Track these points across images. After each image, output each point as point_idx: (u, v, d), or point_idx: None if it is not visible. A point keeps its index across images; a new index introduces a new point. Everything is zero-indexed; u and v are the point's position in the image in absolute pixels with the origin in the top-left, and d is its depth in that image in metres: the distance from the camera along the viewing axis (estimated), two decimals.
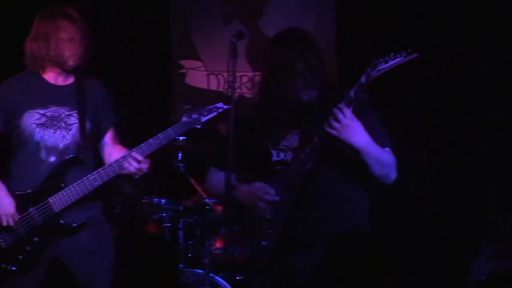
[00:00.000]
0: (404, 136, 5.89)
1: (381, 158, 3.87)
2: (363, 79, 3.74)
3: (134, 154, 4.43)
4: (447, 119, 6.62)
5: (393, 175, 3.94)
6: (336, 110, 3.74)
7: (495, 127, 6.44)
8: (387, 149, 3.94)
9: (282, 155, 3.97)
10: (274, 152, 3.99)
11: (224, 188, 3.83)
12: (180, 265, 5.48)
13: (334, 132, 3.75)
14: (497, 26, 6.45)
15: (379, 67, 3.72)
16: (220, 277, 5.56)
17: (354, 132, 3.77)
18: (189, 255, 5.70)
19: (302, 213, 3.91)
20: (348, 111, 3.74)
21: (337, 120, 3.74)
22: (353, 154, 3.84)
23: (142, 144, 4.46)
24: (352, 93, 3.76)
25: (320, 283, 3.85)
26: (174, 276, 3.25)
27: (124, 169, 4.47)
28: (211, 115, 4.52)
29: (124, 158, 4.45)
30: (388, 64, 3.72)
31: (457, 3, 6.53)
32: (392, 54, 3.73)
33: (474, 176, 6.51)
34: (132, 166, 4.43)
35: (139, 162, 4.44)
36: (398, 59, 3.72)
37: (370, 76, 3.73)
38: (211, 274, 5.49)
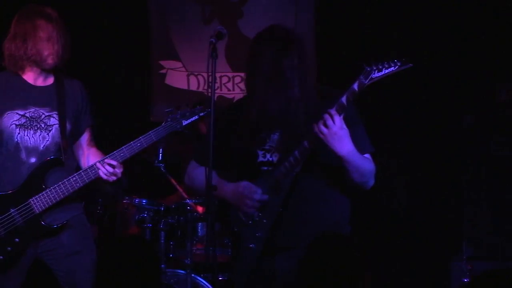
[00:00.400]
0: (383, 138, 5.91)
1: (362, 167, 3.86)
2: (355, 86, 3.70)
3: (107, 160, 4.44)
4: (425, 122, 6.65)
5: (371, 182, 3.95)
6: (326, 116, 3.72)
7: (472, 128, 6.48)
8: (367, 155, 3.95)
9: (268, 155, 3.96)
10: (260, 152, 3.97)
11: (204, 183, 3.80)
12: (162, 266, 5.50)
13: (321, 136, 3.73)
14: (473, 25, 6.50)
15: (372, 75, 3.68)
16: (202, 278, 5.55)
17: (340, 140, 3.75)
18: (170, 255, 5.73)
19: (287, 216, 3.90)
20: (338, 119, 3.71)
21: (326, 126, 3.71)
22: (335, 160, 3.83)
23: (123, 147, 4.48)
24: (343, 99, 3.72)
25: (301, 285, 3.86)
26: (155, 276, 3.25)
27: (98, 174, 4.48)
28: (192, 119, 4.52)
29: (99, 162, 4.45)
30: (382, 72, 3.68)
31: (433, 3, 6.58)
32: (385, 62, 3.69)
33: (453, 177, 6.55)
34: (106, 170, 4.43)
35: (113, 167, 4.45)
36: (392, 68, 3.68)
37: (363, 84, 3.69)
38: (192, 275, 5.50)
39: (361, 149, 3.87)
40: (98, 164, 4.44)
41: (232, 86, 7.06)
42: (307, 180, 3.90)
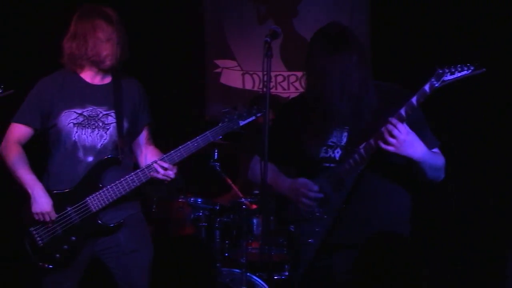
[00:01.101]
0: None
1: (435, 164, 3.83)
2: (426, 88, 3.63)
3: (160, 162, 4.48)
4: (480, 118, 6.57)
5: (442, 176, 3.92)
6: (390, 127, 3.66)
7: None
8: (436, 150, 3.90)
9: (330, 152, 3.92)
10: (322, 148, 3.93)
11: (268, 178, 3.79)
12: (217, 265, 5.52)
13: (391, 148, 3.68)
14: None
15: (444, 78, 3.61)
16: (257, 277, 5.55)
17: (411, 145, 3.70)
18: (226, 254, 5.72)
19: (348, 213, 3.87)
20: (401, 126, 3.66)
21: (393, 136, 3.66)
22: (405, 162, 3.79)
23: (180, 147, 4.51)
24: (414, 100, 3.66)
25: (359, 284, 3.85)
26: (211, 276, 3.27)
27: (152, 175, 4.51)
28: (249, 119, 4.55)
29: (155, 163, 4.48)
30: (454, 76, 3.61)
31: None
32: (458, 65, 3.61)
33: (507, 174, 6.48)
34: (160, 172, 4.46)
35: (165, 169, 4.48)
36: (465, 72, 3.61)
37: (434, 86, 3.62)
38: (247, 274, 5.50)
39: (429, 146, 3.82)
40: (155, 165, 4.48)
41: (287, 85, 7.05)
42: (370, 178, 3.87)
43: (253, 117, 4.54)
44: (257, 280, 5.54)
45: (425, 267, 3.19)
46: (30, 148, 4.64)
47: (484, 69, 3.62)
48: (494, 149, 6.58)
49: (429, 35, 6.61)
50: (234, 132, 4.58)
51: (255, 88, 7.09)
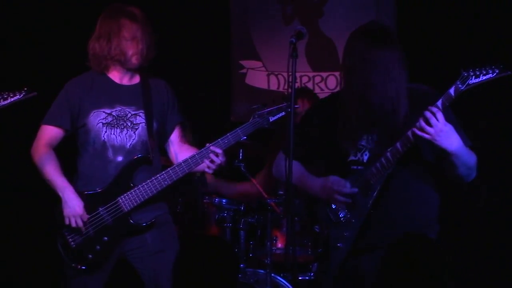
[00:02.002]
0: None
1: (469, 159, 3.85)
2: (451, 91, 3.67)
3: (213, 148, 4.50)
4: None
5: (473, 174, 3.92)
6: (429, 114, 3.67)
7: None
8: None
9: (359, 154, 3.97)
10: (351, 151, 3.98)
11: (294, 178, 3.82)
12: (241, 265, 5.55)
13: (427, 136, 3.69)
14: None
15: (469, 81, 3.64)
16: (281, 277, 5.58)
17: (448, 136, 3.72)
18: (250, 255, 5.77)
19: (376, 216, 3.91)
20: (440, 116, 3.67)
21: (430, 124, 3.68)
22: (435, 152, 3.81)
23: (208, 144, 4.54)
24: (439, 103, 3.69)
25: (386, 285, 3.87)
26: (235, 276, 3.31)
27: (200, 164, 4.54)
28: (279, 115, 4.58)
29: (201, 153, 4.52)
30: (479, 79, 3.63)
31: None
32: (483, 68, 3.63)
33: None
34: (210, 159, 4.49)
35: (217, 155, 4.51)
36: (490, 75, 3.63)
37: (460, 89, 3.65)
38: (272, 274, 5.52)
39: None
40: (209, 150, 4.50)
41: (312, 85, 7.05)
42: (398, 181, 3.89)
43: (283, 113, 4.55)
44: (281, 281, 5.56)
45: (453, 267, 3.20)
46: (60, 150, 4.69)
47: (509, 72, 3.63)
48: None
49: (455, 33, 6.58)
50: (258, 133, 4.61)
51: (280, 89, 7.09)
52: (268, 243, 5.58)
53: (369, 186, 3.91)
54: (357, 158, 3.98)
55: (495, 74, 3.63)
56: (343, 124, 3.94)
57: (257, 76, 7.16)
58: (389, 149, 3.84)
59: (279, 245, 5.76)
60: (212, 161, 4.52)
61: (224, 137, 4.57)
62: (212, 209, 5.86)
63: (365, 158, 3.96)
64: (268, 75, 7.15)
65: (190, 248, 3.34)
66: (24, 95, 4.18)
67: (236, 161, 5.78)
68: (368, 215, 3.91)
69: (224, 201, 5.81)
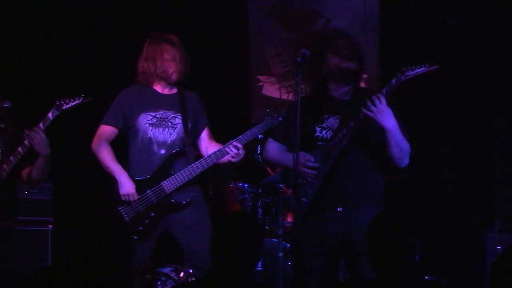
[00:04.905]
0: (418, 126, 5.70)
1: (401, 142, 3.93)
2: (393, 82, 3.85)
3: (234, 143, 4.60)
4: (456, 111, 6.42)
5: (405, 161, 4.00)
6: (374, 97, 3.84)
7: (500, 113, 6.23)
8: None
9: (324, 132, 4.04)
10: (317, 129, 4.05)
11: (275, 156, 4.12)
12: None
13: (370, 114, 3.84)
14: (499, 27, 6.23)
15: (407, 73, 3.81)
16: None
17: (386, 116, 3.85)
18: (266, 227, 5.77)
19: (333, 181, 3.98)
20: (383, 99, 3.83)
21: (374, 105, 3.83)
22: (379, 136, 3.92)
23: (231, 141, 4.62)
24: (384, 91, 3.87)
25: (350, 246, 3.94)
26: (255, 243, 3.31)
27: (225, 156, 4.59)
28: None
29: (226, 146, 4.58)
30: (414, 71, 3.80)
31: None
32: (418, 64, 3.81)
33: (483, 159, 6.30)
34: (232, 152, 4.56)
35: (238, 149, 4.61)
36: (423, 69, 3.79)
37: (400, 80, 3.83)
38: (283, 242, 5.50)
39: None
40: (227, 149, 4.57)
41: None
42: (352, 155, 3.98)
43: None
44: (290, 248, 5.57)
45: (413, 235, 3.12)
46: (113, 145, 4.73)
47: (436, 66, 3.79)
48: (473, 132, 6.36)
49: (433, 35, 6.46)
50: (271, 130, 4.66)
51: (290, 98, 7.11)
52: (280, 218, 5.62)
53: (329, 155, 3.99)
54: (322, 135, 4.05)
55: (426, 68, 3.81)
56: (312, 110, 4.03)
57: (271, 88, 7.09)
58: (345, 127, 3.97)
59: (289, 220, 5.80)
60: (235, 153, 4.62)
61: (244, 134, 4.67)
62: (236, 191, 5.90)
63: (329, 136, 4.04)
64: (279, 88, 7.16)
65: (220, 222, 3.33)
66: (81, 100, 4.24)
67: (255, 154, 5.85)
68: (326, 178, 3.98)
69: (245, 185, 5.86)
